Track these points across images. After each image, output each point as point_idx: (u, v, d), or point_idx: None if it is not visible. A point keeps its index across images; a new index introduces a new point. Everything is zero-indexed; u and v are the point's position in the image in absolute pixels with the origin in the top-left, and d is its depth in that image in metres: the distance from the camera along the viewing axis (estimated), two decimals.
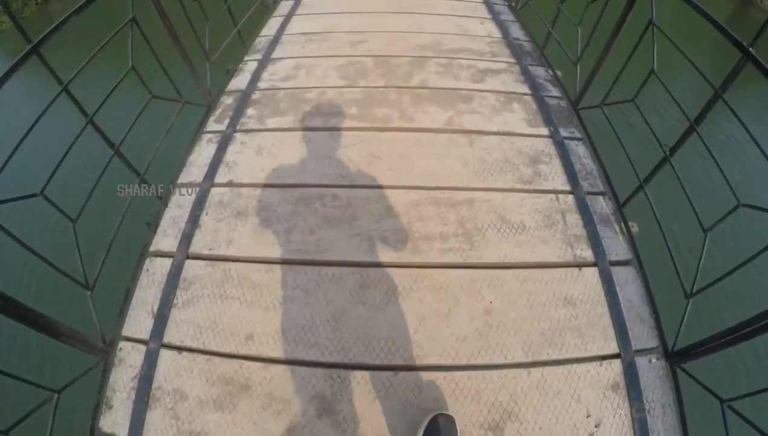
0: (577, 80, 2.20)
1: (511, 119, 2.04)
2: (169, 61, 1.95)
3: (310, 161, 1.80)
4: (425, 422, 1.09)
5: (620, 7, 1.85)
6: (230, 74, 2.41)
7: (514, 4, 3.21)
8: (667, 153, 1.53)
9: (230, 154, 1.87)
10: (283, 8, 3.12)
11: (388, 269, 1.47)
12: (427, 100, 2.10)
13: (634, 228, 1.64)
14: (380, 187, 1.69)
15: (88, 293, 1.31)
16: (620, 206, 1.70)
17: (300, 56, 2.50)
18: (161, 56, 1.81)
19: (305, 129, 1.95)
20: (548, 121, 2.05)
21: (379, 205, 1.63)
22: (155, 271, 1.50)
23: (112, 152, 1.49)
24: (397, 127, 1.94)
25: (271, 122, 2.01)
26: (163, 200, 1.71)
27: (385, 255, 1.50)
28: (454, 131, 1.93)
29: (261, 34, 2.79)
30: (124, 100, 1.73)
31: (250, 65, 2.47)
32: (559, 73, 2.50)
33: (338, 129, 1.93)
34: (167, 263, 1.51)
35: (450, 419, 1.08)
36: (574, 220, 1.64)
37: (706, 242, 1.34)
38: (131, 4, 1.61)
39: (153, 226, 1.62)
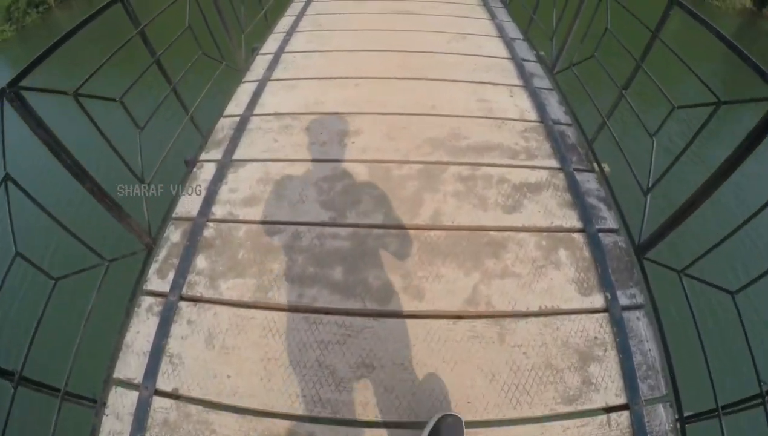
0: (645, 215, 1.85)
1: (558, 282, 1.70)
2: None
3: (275, 370, 1.46)
4: (431, 423, 1.20)
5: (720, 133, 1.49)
6: (188, 168, 2.10)
7: (549, 64, 2.84)
8: (765, 398, 1.23)
9: (174, 342, 1.55)
10: (258, 68, 2.78)
11: None
12: (441, 254, 1.75)
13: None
14: (373, 425, 1.36)
15: None
16: (683, 419, 1.39)
17: (270, 159, 2.16)
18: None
19: (269, 308, 1.61)
20: (605, 282, 1.71)
21: None
22: None
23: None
24: (399, 310, 1.59)
25: (225, 287, 1.68)
26: (99, 405, 1.42)
27: None
28: (479, 316, 1.59)
29: (225, 114, 2.45)
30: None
31: (206, 170, 2.13)
32: (606, 168, 2.17)
33: (316, 311, 1.59)
34: None
35: (458, 420, 1.19)
36: None
37: None
38: None
39: None
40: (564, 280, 1.70)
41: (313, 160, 2.12)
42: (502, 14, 3.63)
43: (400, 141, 2.20)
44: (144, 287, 1.71)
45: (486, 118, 2.39)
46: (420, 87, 2.58)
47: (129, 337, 1.58)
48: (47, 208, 1.40)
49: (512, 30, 3.37)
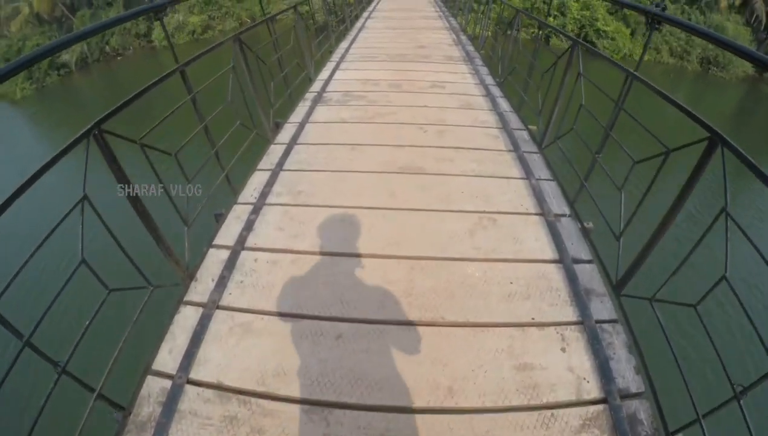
0: None
1: None
2: None
3: None
4: None
5: None
6: None
7: (611, 277, 2.11)
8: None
9: None
10: (196, 293, 2.06)
11: None
12: None
13: None
14: None
15: None
16: None
17: None
18: None
19: None
20: None
21: None
22: None
23: None
24: None
25: None
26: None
27: None
28: None
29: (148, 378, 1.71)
30: None
31: None
32: None
33: None
34: None
35: None
36: None
37: None
38: None
39: None
40: None
41: None
42: (539, 167, 2.96)
43: None
44: None
45: (529, 409, 1.63)
46: (432, 342, 1.85)
47: None
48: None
49: (555, 198, 2.69)
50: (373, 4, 12.40)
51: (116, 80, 21.61)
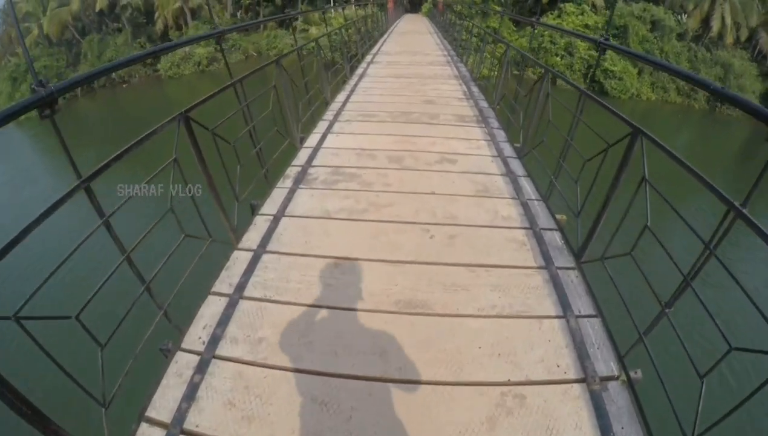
0: None
1: None
2: None
3: None
4: None
5: None
6: None
7: None
8: None
9: None
10: None
11: None
12: None
13: None
14: None
15: None
16: None
17: None
18: None
19: None
20: None
21: None
22: None
23: None
24: None
25: None
26: None
27: None
28: None
29: None
30: None
31: None
32: None
33: None
34: None
35: None
36: None
37: None
38: None
39: None
40: None
41: None
42: (577, 294, 2.29)
43: None
44: None
45: None
46: None
47: None
48: None
49: (600, 349, 2.01)
50: (377, 46, 11.96)
51: (119, 107, 21.44)
